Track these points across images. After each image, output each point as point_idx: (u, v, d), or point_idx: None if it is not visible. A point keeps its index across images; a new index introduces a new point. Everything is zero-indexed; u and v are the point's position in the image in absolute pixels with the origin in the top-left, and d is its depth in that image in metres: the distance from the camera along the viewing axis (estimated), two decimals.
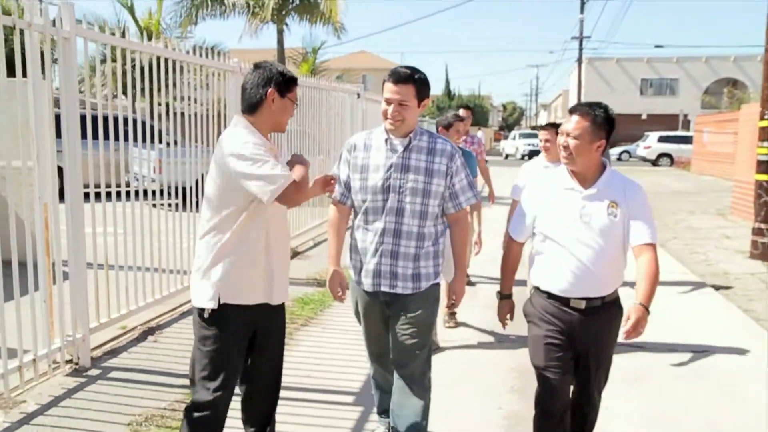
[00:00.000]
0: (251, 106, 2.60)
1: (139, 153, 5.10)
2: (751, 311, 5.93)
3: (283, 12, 19.72)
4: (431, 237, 2.84)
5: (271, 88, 2.57)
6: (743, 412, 3.82)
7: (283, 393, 3.73)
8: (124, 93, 4.77)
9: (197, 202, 5.30)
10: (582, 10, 35.41)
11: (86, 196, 4.22)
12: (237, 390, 2.79)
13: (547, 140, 4.55)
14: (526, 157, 30.84)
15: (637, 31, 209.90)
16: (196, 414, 2.61)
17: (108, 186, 4.49)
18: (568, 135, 2.66)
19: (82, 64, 5.58)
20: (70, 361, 4.08)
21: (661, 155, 30.99)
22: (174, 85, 5.13)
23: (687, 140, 29.23)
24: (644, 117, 43.19)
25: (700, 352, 4.79)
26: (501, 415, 3.73)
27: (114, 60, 4.57)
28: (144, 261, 4.93)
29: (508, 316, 2.98)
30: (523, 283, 3.03)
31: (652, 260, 2.55)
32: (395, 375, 2.89)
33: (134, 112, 4.79)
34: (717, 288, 6.80)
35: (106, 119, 4.38)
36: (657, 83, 45.17)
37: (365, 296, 2.92)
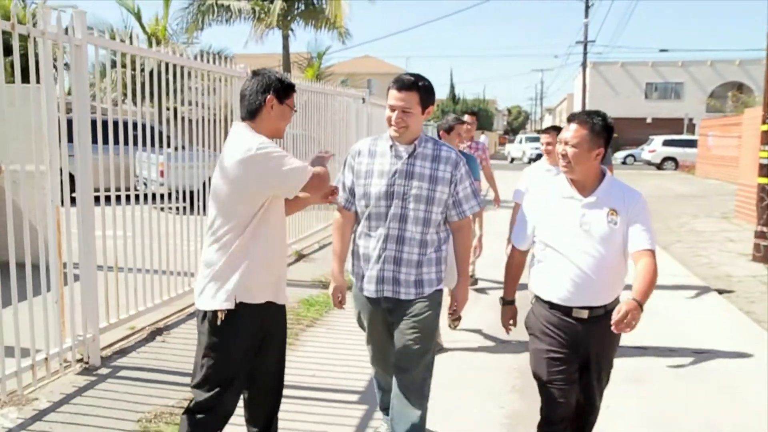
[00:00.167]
0: (251, 113, 2.65)
1: (147, 157, 5.21)
2: (752, 313, 5.98)
3: (289, 18, 19.87)
4: (434, 244, 2.86)
5: (270, 95, 2.62)
6: (743, 412, 3.86)
7: (289, 392, 3.81)
8: (134, 98, 4.87)
9: (203, 206, 5.39)
10: (586, 15, 35.53)
11: (95, 199, 4.32)
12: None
13: (548, 143, 4.62)
14: (533, 161, 30.90)
15: (641, 36, 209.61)
16: (199, 416, 2.63)
17: (117, 190, 4.59)
18: (566, 143, 2.66)
19: (91, 70, 5.69)
20: (80, 360, 4.17)
21: (665, 159, 31.01)
22: (181, 90, 5.24)
23: (692, 144, 29.24)
24: (649, 121, 43.22)
25: (701, 353, 4.84)
26: (503, 414, 3.79)
27: (123, 66, 4.67)
28: (152, 264, 5.03)
29: (510, 321, 2.98)
30: (527, 286, 3.05)
31: (650, 264, 2.53)
32: (395, 382, 2.88)
33: (143, 117, 4.90)
34: (721, 292, 6.83)
35: (116, 124, 4.49)
36: (662, 87, 45.19)
37: (367, 303, 2.93)
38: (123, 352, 4.47)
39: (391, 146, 2.83)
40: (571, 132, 2.65)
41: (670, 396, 4.08)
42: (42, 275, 3.86)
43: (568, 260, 2.66)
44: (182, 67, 5.30)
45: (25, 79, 3.71)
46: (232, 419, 2.76)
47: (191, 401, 2.68)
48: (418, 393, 2.84)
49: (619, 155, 36.16)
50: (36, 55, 3.68)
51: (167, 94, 5.10)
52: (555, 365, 2.72)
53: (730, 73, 42.94)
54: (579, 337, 2.69)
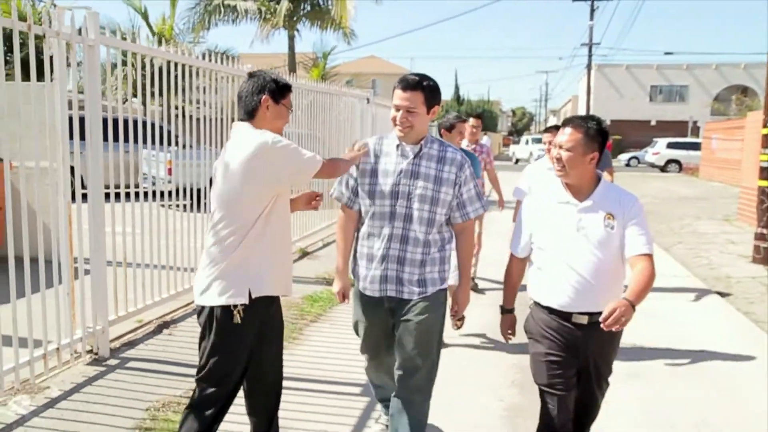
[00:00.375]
0: (248, 113, 2.72)
1: (156, 155, 5.32)
2: (751, 314, 6.05)
3: (294, 18, 20.01)
4: (437, 243, 2.85)
5: (265, 95, 2.68)
6: (740, 411, 3.92)
7: (293, 384, 3.93)
8: (143, 97, 4.98)
9: (209, 203, 5.49)
10: (591, 17, 35.53)
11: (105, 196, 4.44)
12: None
13: (551, 142, 4.71)
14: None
15: (647, 38, 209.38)
16: (204, 408, 2.69)
17: (127, 187, 4.71)
18: (561, 147, 2.66)
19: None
20: (90, 351, 4.29)
21: (669, 161, 31.02)
22: (189, 89, 5.35)
23: (695, 147, 29.25)
24: (653, 123, 43.24)
25: (699, 352, 4.91)
26: (502, 407, 3.89)
27: (133, 65, 4.78)
28: (159, 259, 5.14)
29: (509, 331, 2.97)
30: (526, 288, 3.03)
31: (646, 268, 2.53)
32: (398, 382, 2.87)
33: (152, 115, 5.01)
34: (723, 295, 6.90)
35: (125, 122, 4.60)
36: (666, 90, 45.20)
37: (369, 304, 2.91)
38: (131, 344, 4.58)
39: (397, 146, 2.82)
40: (565, 136, 2.66)
41: (668, 394, 4.14)
42: (54, 269, 3.97)
43: (566, 265, 2.66)
44: (190, 67, 5.41)
45: (27, 77, 3.77)
46: (235, 412, 2.83)
47: (195, 393, 2.74)
48: (423, 392, 2.87)
49: (623, 157, 36.20)
50: (40, 53, 3.76)
51: (175, 93, 5.22)
52: (554, 368, 2.72)
53: (735, 76, 42.92)
54: (578, 342, 2.69)
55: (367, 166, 2.88)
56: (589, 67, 37.56)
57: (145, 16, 18.38)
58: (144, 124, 4.85)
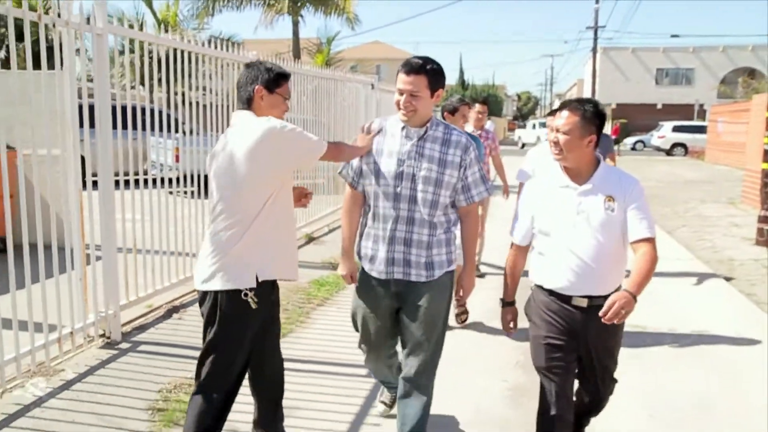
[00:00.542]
0: (244, 103, 2.77)
1: (163, 142, 5.39)
2: (753, 295, 6.11)
3: (298, 3, 19.99)
4: (443, 225, 2.85)
5: (258, 86, 2.70)
6: (738, 392, 3.98)
7: (299, 366, 4.03)
8: (150, 85, 5.04)
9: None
10: (597, 0, 35.27)
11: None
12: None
13: None
14: None
15: (653, 21, 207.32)
16: (212, 399, 2.70)
17: (136, 174, 4.78)
18: (557, 131, 2.64)
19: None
20: (102, 335, 4.39)
21: (675, 145, 30.93)
22: (195, 76, 5.40)
23: (701, 130, 29.13)
24: (659, 107, 43.00)
25: (700, 333, 4.98)
26: (506, 387, 3.98)
27: (137, 52, 4.84)
28: (168, 245, 5.23)
29: (511, 324, 2.94)
30: (527, 273, 3.05)
31: (648, 253, 2.51)
32: (405, 365, 2.90)
33: (159, 103, 5.08)
34: (728, 279, 6.96)
35: (134, 110, 4.67)
36: (673, 73, 44.89)
37: (375, 286, 2.91)
38: (142, 328, 4.69)
39: (402, 127, 2.82)
40: (562, 119, 2.63)
41: (669, 376, 4.21)
42: (67, 255, 4.07)
43: (567, 249, 2.65)
44: (196, 54, 5.47)
45: (37, 65, 3.80)
46: (239, 401, 2.86)
47: (201, 379, 2.73)
48: (428, 374, 2.91)
49: (629, 141, 36.06)
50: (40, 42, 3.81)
51: (183, 79, 5.28)
52: (553, 352, 2.72)
53: (743, 58, 42.55)
54: (578, 326, 2.69)
55: (372, 146, 2.88)
56: (594, 50, 37.34)
57: (149, 3, 18.37)
58: (152, 111, 4.92)
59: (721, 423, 3.57)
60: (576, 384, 2.90)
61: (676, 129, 31.48)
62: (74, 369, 3.91)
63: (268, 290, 2.76)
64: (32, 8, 3.77)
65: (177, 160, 6.56)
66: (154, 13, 18.55)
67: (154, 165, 5.89)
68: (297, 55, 19.44)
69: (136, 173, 4.79)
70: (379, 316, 2.96)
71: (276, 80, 2.75)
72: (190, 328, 4.73)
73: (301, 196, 3.02)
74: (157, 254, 5.12)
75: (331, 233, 8.63)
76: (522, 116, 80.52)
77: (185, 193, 5.66)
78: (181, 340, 4.49)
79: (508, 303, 2.93)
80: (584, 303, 2.67)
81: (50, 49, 3.85)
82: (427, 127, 2.81)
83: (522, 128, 45.38)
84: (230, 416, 2.83)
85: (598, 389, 2.87)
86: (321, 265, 6.82)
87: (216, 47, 5.77)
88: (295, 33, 20.52)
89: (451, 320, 5.03)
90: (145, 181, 4.98)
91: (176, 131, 5.54)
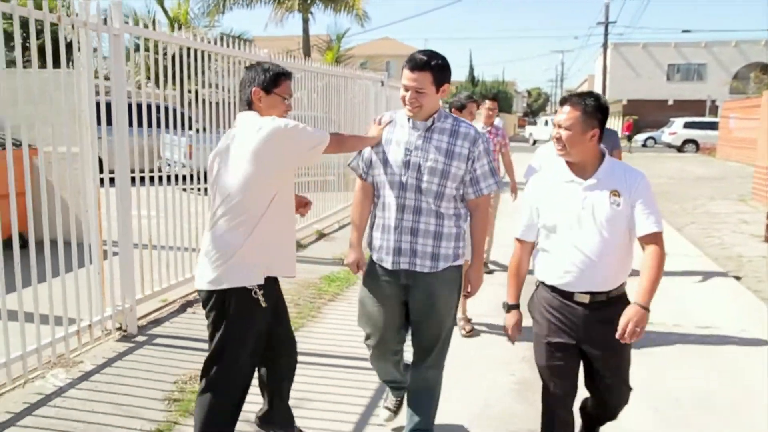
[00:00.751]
0: (246, 104, 2.82)
1: (177, 140, 5.49)
2: (760, 292, 6.14)
3: (308, 1, 20.05)
4: (451, 218, 2.85)
5: (255, 87, 2.73)
6: (740, 389, 4.00)
7: (311, 359, 4.12)
8: (165, 83, 5.14)
9: None
10: None
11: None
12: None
13: None
14: None
15: (664, 16, 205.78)
16: (229, 388, 2.75)
17: (150, 171, 4.90)
18: (560, 126, 2.61)
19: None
20: (119, 329, 4.51)
21: (686, 141, 30.79)
22: (209, 74, 5.50)
23: (713, 126, 28.97)
24: (671, 103, 42.73)
25: (706, 330, 5.02)
26: (513, 381, 4.06)
27: (151, 50, 4.93)
28: (182, 241, 5.34)
29: (516, 329, 2.87)
30: (532, 272, 3.06)
31: (655, 253, 2.49)
32: (413, 359, 2.94)
33: (174, 101, 5.18)
34: (738, 278, 6.98)
35: (149, 107, 4.78)
36: (684, 68, 44.62)
37: (383, 276, 2.91)
38: (157, 322, 4.80)
39: (409, 118, 2.83)
40: (564, 115, 2.60)
41: (674, 372, 4.25)
42: (86, 250, 4.19)
43: (571, 245, 2.61)
44: (209, 53, 5.57)
45: (51, 65, 3.90)
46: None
47: (208, 377, 2.76)
48: (436, 368, 2.96)
49: (640, 137, 35.92)
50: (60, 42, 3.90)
51: (195, 77, 5.38)
52: (553, 352, 2.70)
53: (756, 53, 42.12)
54: (579, 322, 2.65)
55: (382, 136, 2.90)
56: (605, 46, 37.18)
57: (160, 2, 18.50)
58: (165, 109, 5.03)
59: (726, 420, 3.60)
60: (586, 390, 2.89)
61: (687, 125, 31.31)
62: (92, 361, 4.03)
63: (271, 287, 2.82)
64: (43, 8, 3.86)
65: (190, 157, 6.67)
66: (166, 12, 18.68)
67: (168, 163, 5.99)
68: (307, 52, 19.54)
69: (151, 170, 4.90)
70: (385, 307, 2.95)
71: (274, 80, 2.76)
72: (204, 322, 4.73)
73: (300, 206, 3.05)
74: (172, 250, 5.23)
75: (341, 230, 8.72)
76: (532, 112, 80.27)
77: (198, 190, 5.76)
78: (195, 333, 4.59)
79: (512, 306, 2.86)
80: (586, 299, 2.63)
81: (59, 47, 3.92)
82: (434, 118, 2.81)
83: (533, 125, 45.15)
84: None
85: (611, 393, 2.84)
86: (332, 261, 6.91)
87: (227, 45, 5.87)
88: (305, 30, 20.62)
89: (461, 317, 5.10)
90: (159, 178, 5.09)
91: (189, 129, 5.63)
